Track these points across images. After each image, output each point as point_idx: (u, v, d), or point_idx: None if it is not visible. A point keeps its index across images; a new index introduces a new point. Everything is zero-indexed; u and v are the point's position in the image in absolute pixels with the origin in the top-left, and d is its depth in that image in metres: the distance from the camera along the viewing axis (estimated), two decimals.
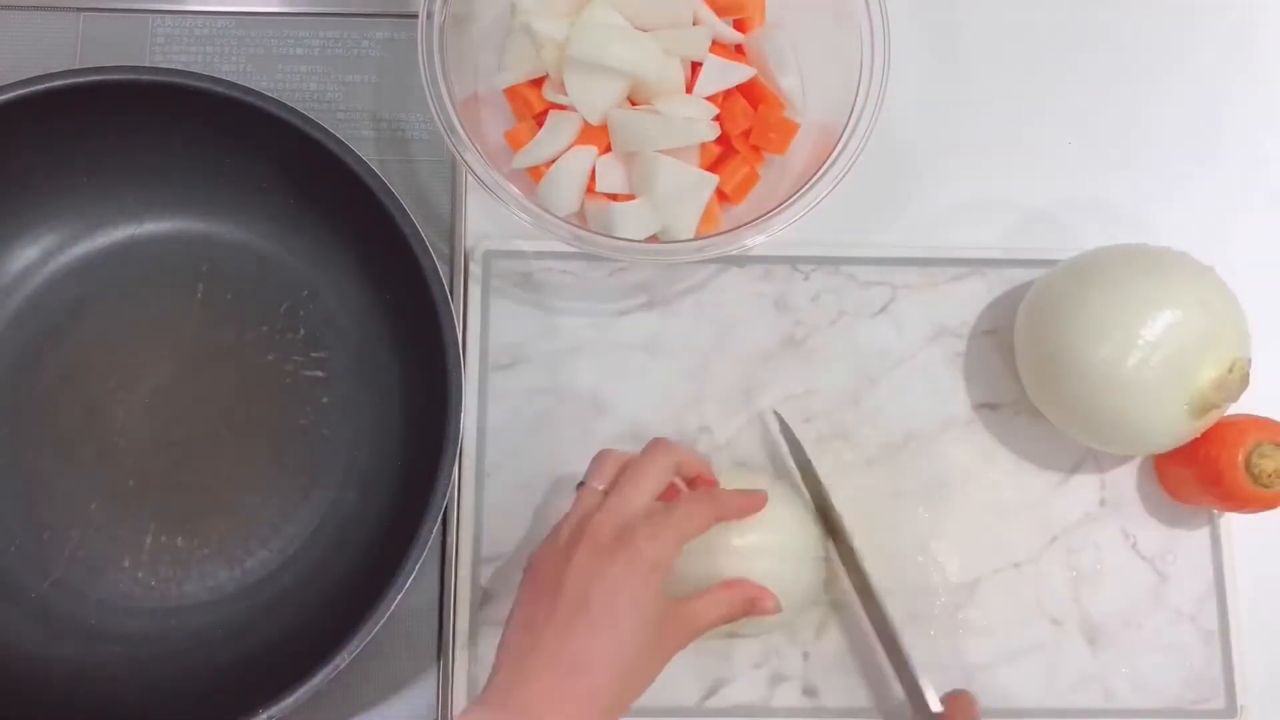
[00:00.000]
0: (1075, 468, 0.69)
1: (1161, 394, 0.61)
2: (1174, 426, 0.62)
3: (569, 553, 0.55)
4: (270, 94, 0.61)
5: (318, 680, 0.55)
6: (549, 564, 0.56)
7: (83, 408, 0.66)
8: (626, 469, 0.58)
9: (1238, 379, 0.61)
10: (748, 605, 0.59)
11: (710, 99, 0.67)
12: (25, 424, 0.66)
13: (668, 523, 0.56)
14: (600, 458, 0.60)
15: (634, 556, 0.54)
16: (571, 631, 0.53)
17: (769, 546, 0.61)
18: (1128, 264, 0.63)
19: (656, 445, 0.59)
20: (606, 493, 0.57)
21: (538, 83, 0.67)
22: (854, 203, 0.71)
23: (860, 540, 0.64)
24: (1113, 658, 0.67)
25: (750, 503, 0.61)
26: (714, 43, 0.68)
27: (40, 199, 0.66)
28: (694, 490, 0.61)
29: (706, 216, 0.67)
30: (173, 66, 0.67)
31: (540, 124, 0.68)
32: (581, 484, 0.59)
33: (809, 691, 0.65)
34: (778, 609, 0.59)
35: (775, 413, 0.67)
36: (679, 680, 0.65)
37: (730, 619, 0.59)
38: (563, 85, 0.66)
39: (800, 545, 0.63)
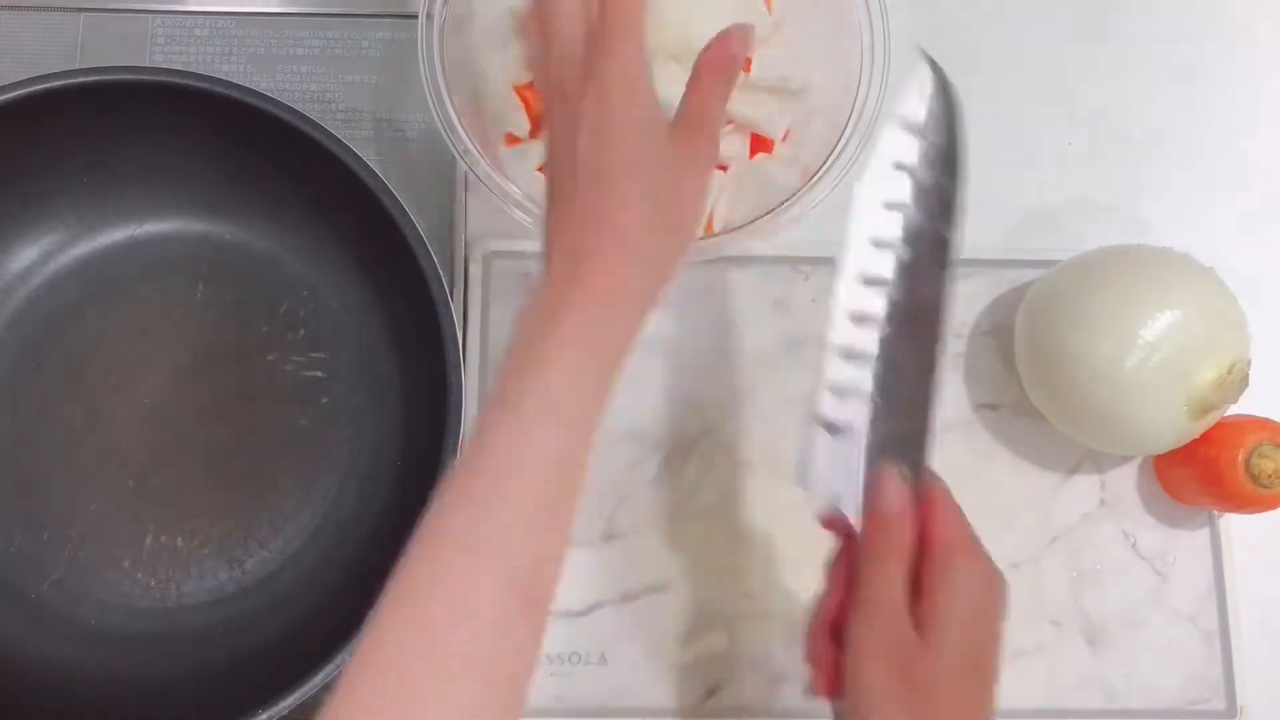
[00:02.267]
0: (1075, 468, 0.69)
1: (1160, 394, 0.60)
2: (1173, 427, 0.62)
3: (550, 115, 0.48)
4: (270, 94, 0.61)
5: (318, 680, 0.55)
6: (548, 152, 0.49)
7: (83, 408, 0.66)
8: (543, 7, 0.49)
9: (1237, 380, 0.61)
10: (738, 51, 0.50)
11: None
12: (25, 424, 0.66)
13: (609, 34, 0.47)
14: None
15: (601, 88, 0.46)
16: (577, 187, 0.47)
17: None
18: (1127, 264, 0.63)
19: None
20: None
21: None
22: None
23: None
24: (1113, 658, 0.67)
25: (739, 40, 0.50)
26: None
27: (40, 199, 0.66)
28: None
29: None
30: (173, 66, 0.67)
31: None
32: None
33: (809, 691, 0.65)
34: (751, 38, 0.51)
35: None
36: (679, 680, 0.65)
37: (730, 84, 0.50)
38: None
39: None
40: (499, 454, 0.44)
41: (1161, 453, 0.65)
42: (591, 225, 0.46)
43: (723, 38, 0.51)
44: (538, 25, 0.50)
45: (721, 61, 0.50)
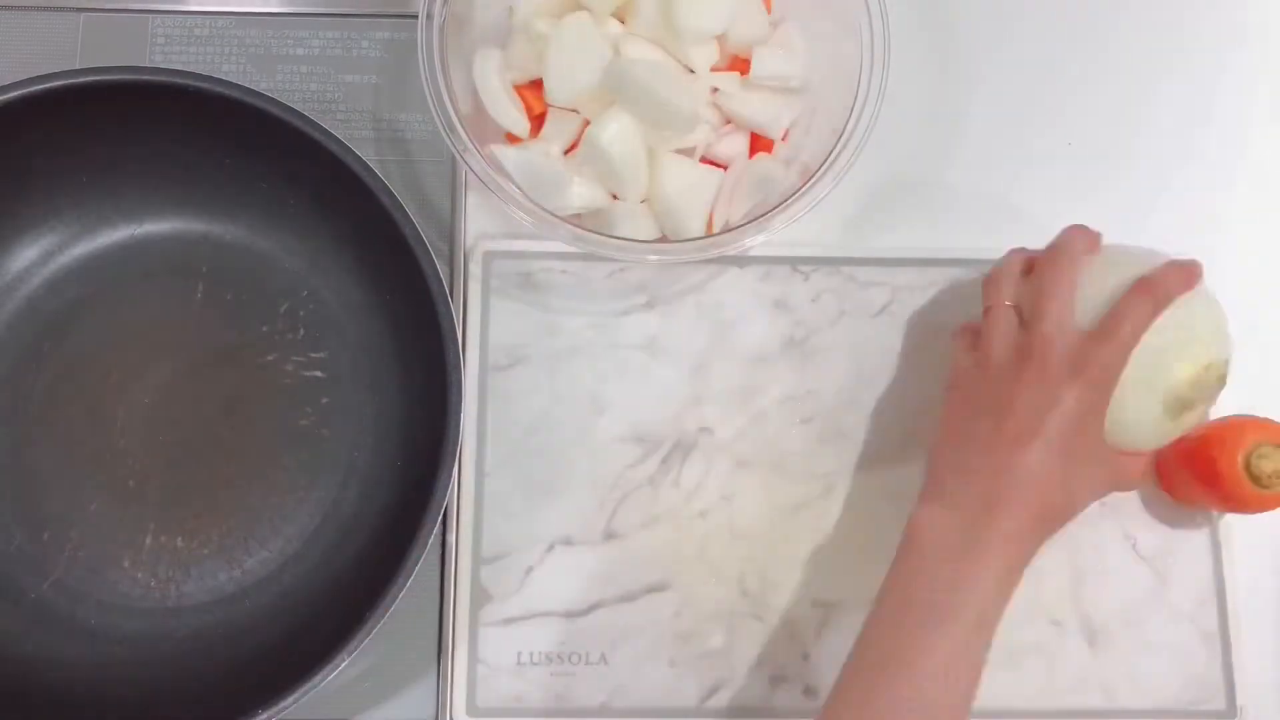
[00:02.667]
0: None
1: (1136, 391, 0.60)
2: (1151, 427, 0.61)
3: (1014, 374, 0.56)
4: (270, 94, 0.61)
5: (318, 680, 0.55)
6: (985, 385, 0.57)
7: (83, 408, 0.66)
8: (1040, 281, 0.58)
9: (1214, 379, 0.60)
10: (1178, 284, 0.58)
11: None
12: (25, 424, 0.66)
13: (1113, 344, 0.56)
14: (994, 275, 0.61)
15: (1088, 386, 0.55)
16: (1025, 448, 0.55)
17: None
18: (1104, 264, 0.63)
19: (1068, 252, 0.59)
20: (1018, 309, 0.58)
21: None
22: (854, 203, 0.71)
23: (860, 541, 0.65)
24: (1112, 658, 0.67)
25: (1189, 274, 0.58)
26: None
27: (40, 199, 0.66)
28: (1131, 293, 0.58)
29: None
30: (173, 66, 0.67)
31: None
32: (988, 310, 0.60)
33: (809, 692, 0.65)
34: (1198, 271, 0.59)
35: None
36: (679, 680, 0.65)
37: (1156, 312, 0.57)
38: None
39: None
40: (939, 658, 0.54)
41: (1143, 451, 0.64)
42: (1012, 484, 0.55)
43: (1176, 269, 0.59)
44: (1026, 273, 0.60)
45: (1182, 282, 0.59)
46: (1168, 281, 0.58)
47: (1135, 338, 0.57)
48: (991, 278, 0.61)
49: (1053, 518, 0.57)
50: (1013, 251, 0.63)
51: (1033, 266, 0.61)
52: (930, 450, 0.60)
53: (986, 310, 0.60)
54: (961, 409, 0.59)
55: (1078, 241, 0.60)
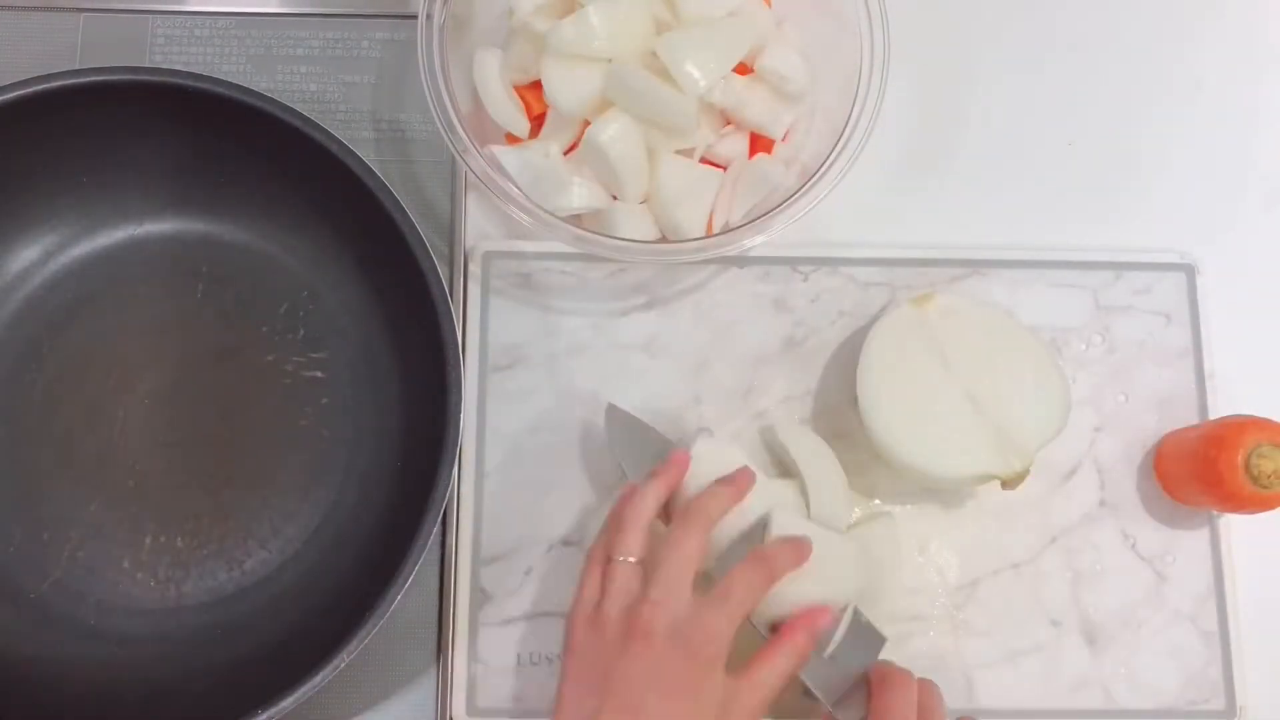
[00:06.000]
0: (1075, 468, 0.69)
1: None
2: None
3: (621, 647, 0.54)
4: (270, 94, 0.61)
5: (318, 680, 0.55)
6: (594, 653, 0.55)
7: (83, 408, 0.66)
8: (663, 549, 0.56)
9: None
10: (810, 639, 0.57)
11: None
12: (25, 424, 0.66)
13: (723, 613, 0.54)
14: (622, 525, 0.58)
15: (692, 655, 0.53)
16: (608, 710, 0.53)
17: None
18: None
19: (689, 518, 0.57)
20: (643, 564, 0.56)
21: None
22: (854, 203, 0.71)
23: (859, 541, 0.65)
24: (1112, 658, 0.67)
25: (799, 552, 0.58)
26: None
27: (40, 199, 0.66)
28: (744, 564, 0.57)
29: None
30: (173, 67, 0.67)
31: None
32: (599, 553, 0.58)
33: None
34: (836, 616, 0.58)
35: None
36: None
37: (800, 663, 0.57)
38: None
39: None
40: None
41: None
42: None
43: (819, 611, 0.57)
44: (649, 535, 0.58)
45: (801, 643, 0.57)
46: (780, 557, 0.57)
47: (744, 609, 0.55)
48: (619, 525, 0.58)
49: None
50: (630, 497, 0.59)
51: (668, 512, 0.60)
52: None
53: (607, 561, 0.57)
54: (574, 685, 0.56)
55: (713, 504, 0.58)
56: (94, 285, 0.67)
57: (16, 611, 0.63)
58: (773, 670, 0.56)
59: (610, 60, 0.64)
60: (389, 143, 0.71)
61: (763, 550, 0.58)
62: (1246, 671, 0.67)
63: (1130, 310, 0.71)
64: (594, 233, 0.63)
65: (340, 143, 0.61)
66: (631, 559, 0.57)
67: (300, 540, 0.65)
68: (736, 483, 0.60)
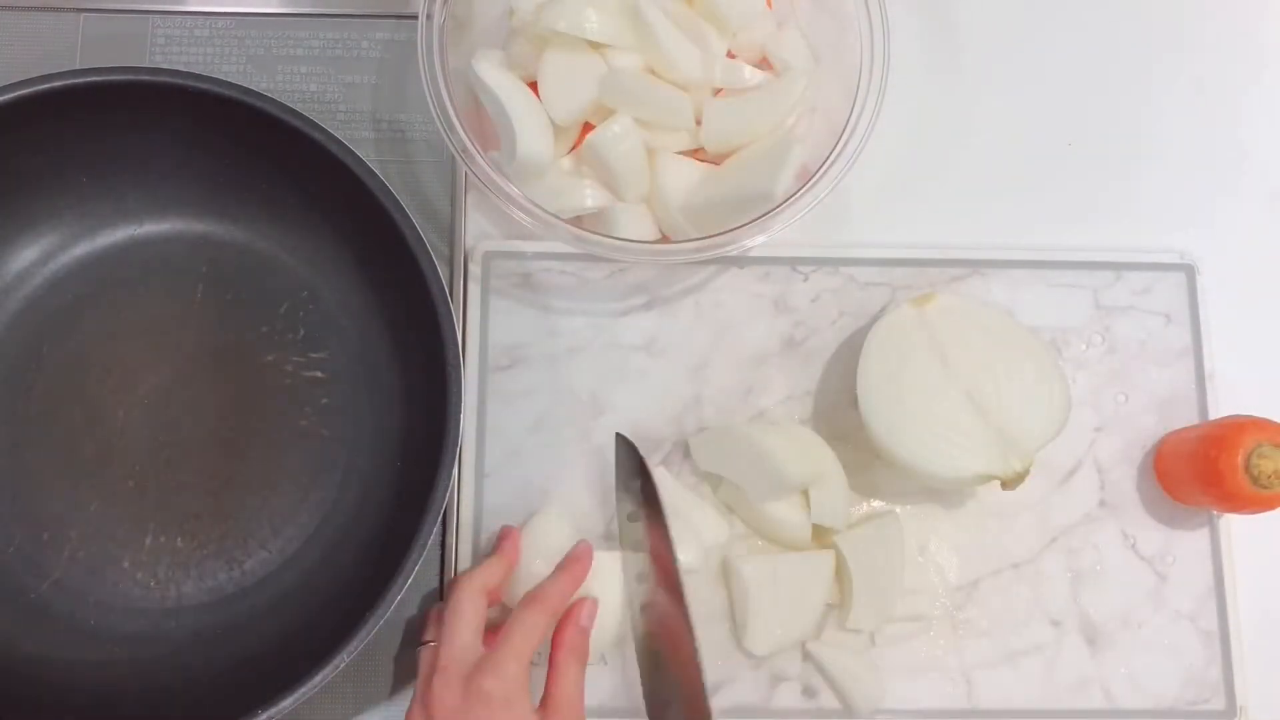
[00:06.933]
0: (1075, 468, 0.69)
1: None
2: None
3: (430, 715, 0.57)
4: (270, 94, 0.61)
5: (318, 680, 0.55)
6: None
7: (83, 408, 0.66)
8: (442, 617, 0.59)
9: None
10: (581, 633, 0.61)
11: None
12: (25, 424, 0.66)
13: (506, 655, 0.57)
14: (429, 614, 0.62)
15: (486, 701, 0.56)
16: None
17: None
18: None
19: (458, 585, 0.60)
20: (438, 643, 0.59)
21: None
22: (854, 203, 0.71)
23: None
24: (1112, 658, 0.67)
25: (574, 576, 0.62)
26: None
27: (40, 199, 0.66)
28: (520, 607, 0.60)
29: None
30: (173, 67, 0.67)
31: None
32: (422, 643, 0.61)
33: (809, 692, 0.65)
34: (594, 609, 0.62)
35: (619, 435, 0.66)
36: None
37: (583, 661, 0.60)
38: None
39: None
40: None
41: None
42: None
43: (569, 616, 0.61)
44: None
45: (575, 643, 0.60)
46: (553, 593, 0.60)
47: (522, 651, 0.57)
48: (425, 616, 0.63)
49: None
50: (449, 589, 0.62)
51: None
52: None
53: (422, 645, 0.61)
54: None
55: (463, 587, 0.60)
56: (94, 285, 0.67)
57: (16, 611, 0.63)
58: (565, 679, 0.59)
59: (607, 46, 0.65)
60: (389, 143, 0.71)
61: (535, 591, 0.60)
62: (1246, 671, 0.67)
63: (1130, 310, 0.71)
64: (594, 233, 0.63)
65: (340, 143, 0.61)
66: (430, 641, 0.60)
67: (300, 540, 0.65)
68: (574, 569, 0.62)
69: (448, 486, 0.58)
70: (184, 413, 0.66)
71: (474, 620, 0.59)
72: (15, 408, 0.66)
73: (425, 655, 0.59)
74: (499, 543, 0.64)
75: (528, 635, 0.58)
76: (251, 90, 0.61)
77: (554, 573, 0.62)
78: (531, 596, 0.60)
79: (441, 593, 0.65)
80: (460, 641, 0.58)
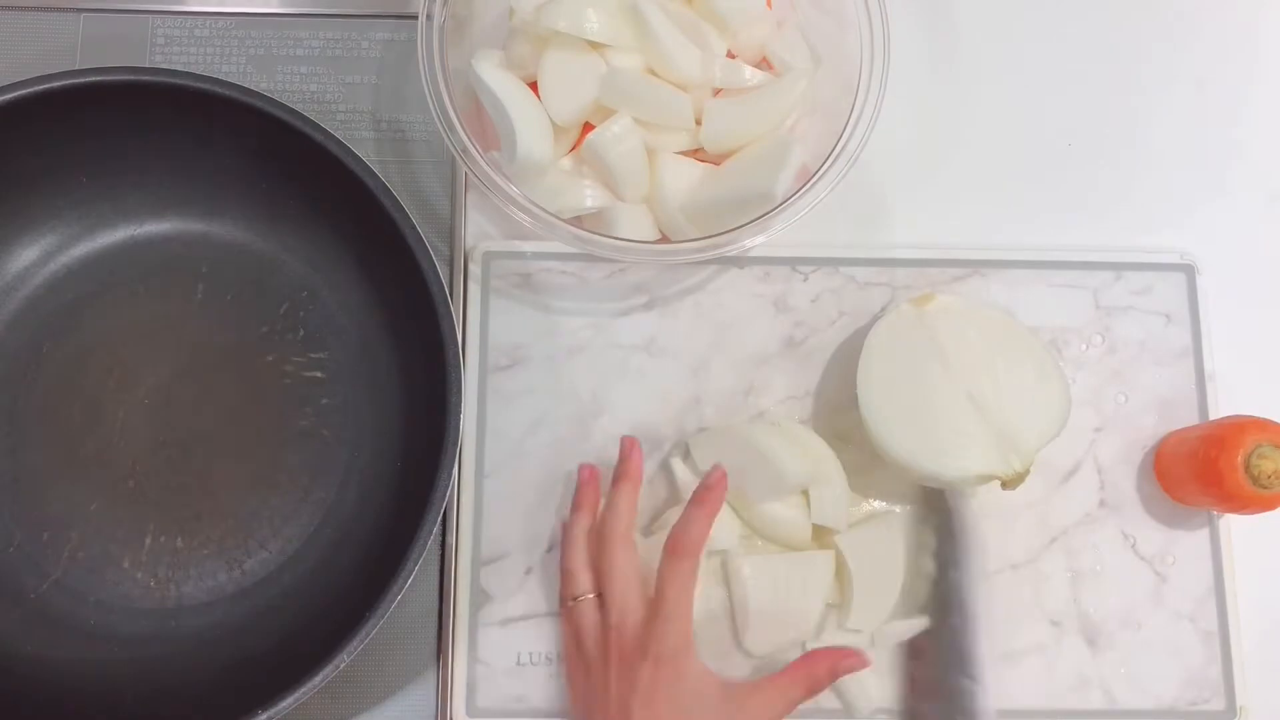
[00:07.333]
0: (1075, 468, 0.69)
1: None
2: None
3: (604, 672, 0.58)
4: (270, 95, 0.61)
5: (318, 680, 0.55)
6: (588, 685, 0.60)
7: (83, 408, 0.66)
8: (601, 572, 0.61)
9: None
10: (830, 675, 0.59)
11: None
12: (25, 424, 0.66)
13: (670, 613, 0.58)
14: (563, 568, 0.63)
15: (657, 658, 0.57)
16: None
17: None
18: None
19: (607, 539, 0.61)
20: (599, 596, 0.61)
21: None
22: (854, 203, 0.71)
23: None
24: (1112, 658, 0.67)
25: (710, 509, 0.60)
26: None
27: (40, 199, 0.66)
28: (664, 561, 0.59)
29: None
30: (173, 67, 0.67)
31: None
32: (573, 598, 0.62)
33: None
34: (868, 662, 0.60)
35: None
36: None
37: (811, 696, 0.59)
38: None
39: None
40: None
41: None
42: None
43: (849, 653, 0.60)
44: (594, 567, 0.62)
45: (833, 673, 0.60)
46: (695, 534, 0.59)
47: (681, 603, 0.58)
48: (566, 570, 0.63)
49: None
50: (563, 542, 0.64)
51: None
52: None
53: (571, 600, 0.62)
54: (575, 702, 0.61)
55: (618, 521, 0.62)
56: (94, 285, 0.67)
57: (16, 611, 0.63)
58: (781, 692, 0.59)
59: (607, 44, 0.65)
60: (389, 143, 0.71)
61: (675, 535, 0.60)
62: (1246, 671, 0.67)
63: (1130, 310, 0.71)
64: (594, 233, 0.63)
65: (340, 143, 0.61)
66: (589, 595, 0.61)
67: (300, 540, 0.65)
68: (709, 500, 0.61)
69: (448, 486, 0.58)
70: (184, 413, 0.66)
71: (632, 574, 0.60)
72: (15, 408, 0.66)
73: (585, 610, 0.61)
74: (620, 464, 0.65)
75: (684, 588, 0.58)
76: (252, 90, 0.61)
77: (688, 508, 0.60)
78: (675, 542, 0.59)
79: (441, 592, 0.65)
80: (628, 603, 0.59)
